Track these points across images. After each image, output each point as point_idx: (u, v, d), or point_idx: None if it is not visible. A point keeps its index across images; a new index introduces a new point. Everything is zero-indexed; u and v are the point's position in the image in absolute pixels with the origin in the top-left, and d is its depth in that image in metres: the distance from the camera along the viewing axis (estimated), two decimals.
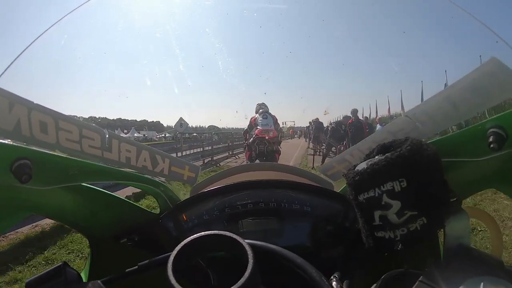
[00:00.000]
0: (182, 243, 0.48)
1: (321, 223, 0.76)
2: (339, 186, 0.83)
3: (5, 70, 0.57)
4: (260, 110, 6.69)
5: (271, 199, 0.78)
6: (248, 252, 0.44)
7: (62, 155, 0.57)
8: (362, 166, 0.52)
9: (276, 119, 6.69)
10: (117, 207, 0.76)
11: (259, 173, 1.07)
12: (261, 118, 6.49)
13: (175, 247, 0.49)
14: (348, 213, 0.74)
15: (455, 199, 0.49)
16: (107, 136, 0.64)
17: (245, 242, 0.46)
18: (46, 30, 0.61)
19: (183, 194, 0.88)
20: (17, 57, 0.58)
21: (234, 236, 0.48)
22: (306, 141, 27.63)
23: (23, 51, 0.58)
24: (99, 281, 0.49)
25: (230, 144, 17.06)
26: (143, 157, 0.69)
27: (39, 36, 0.60)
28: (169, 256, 0.45)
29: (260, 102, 6.93)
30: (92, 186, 0.69)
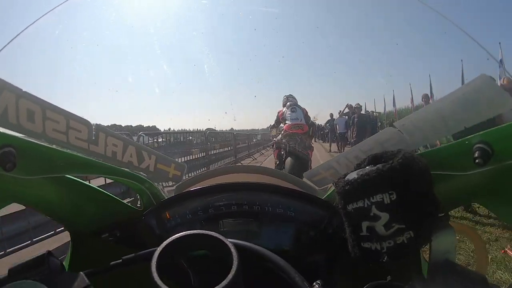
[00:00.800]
0: (168, 240, 0.48)
1: (304, 228, 0.76)
2: (323, 192, 0.83)
3: None
4: (288, 103, 5.96)
5: (255, 202, 0.77)
6: (233, 253, 0.45)
7: (47, 145, 0.57)
8: (352, 175, 0.51)
9: (306, 112, 5.94)
10: (100, 201, 0.75)
11: (245, 175, 1.06)
12: (289, 112, 5.74)
13: (157, 245, 0.49)
14: (331, 220, 0.74)
15: (443, 214, 0.50)
16: (94, 128, 0.64)
17: (230, 243, 0.46)
18: (37, 20, 0.61)
19: (168, 192, 0.88)
20: (7, 43, 0.58)
21: (220, 236, 0.48)
22: (315, 142, 23.06)
23: (14, 38, 0.58)
24: (82, 273, 0.49)
25: (208, 152, 10.37)
26: (129, 153, 0.69)
27: (29, 26, 0.60)
28: (154, 251, 0.45)
29: (287, 94, 6.25)
30: (76, 179, 0.68)
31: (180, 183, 0.86)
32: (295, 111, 5.77)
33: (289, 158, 5.36)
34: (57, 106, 0.61)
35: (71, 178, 0.67)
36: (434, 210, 0.49)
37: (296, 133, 5.48)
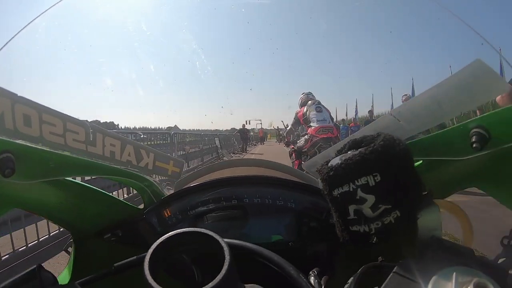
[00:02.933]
0: (157, 242, 0.47)
1: (305, 219, 0.77)
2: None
3: None
4: (309, 101, 4.85)
5: (255, 195, 0.78)
6: (225, 250, 0.44)
7: (45, 149, 0.57)
8: (335, 161, 0.52)
9: (330, 112, 4.94)
10: (101, 202, 0.76)
11: (244, 169, 1.07)
12: (315, 112, 4.66)
13: None
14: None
15: (426, 192, 0.51)
16: (91, 130, 0.64)
17: (222, 240, 0.46)
18: (29, 23, 0.61)
19: (168, 189, 0.88)
20: (1, 48, 0.57)
21: (211, 233, 0.48)
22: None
23: (6, 43, 0.58)
24: (76, 283, 0.49)
25: None
26: (127, 152, 0.69)
27: (21, 30, 0.60)
28: (144, 256, 0.45)
29: (307, 92, 5.18)
30: (75, 181, 0.68)
31: (180, 179, 0.86)
32: (321, 111, 4.70)
33: None
34: (53, 109, 0.61)
35: (70, 181, 0.67)
36: (418, 189, 0.49)
37: (327, 138, 4.43)
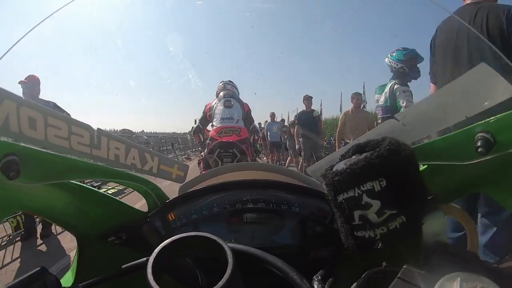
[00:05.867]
0: (160, 246, 0.48)
1: (309, 224, 0.77)
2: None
3: None
4: (221, 93, 3.80)
5: (259, 199, 0.78)
6: (228, 254, 0.44)
7: (50, 152, 0.57)
8: (340, 166, 0.51)
9: (249, 109, 3.85)
10: (105, 205, 0.76)
11: (249, 172, 1.07)
12: (221, 107, 3.63)
13: None
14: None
15: (431, 197, 0.51)
16: (96, 133, 0.64)
17: (225, 244, 0.46)
18: (34, 27, 0.61)
19: (172, 192, 0.88)
20: (5, 53, 0.58)
21: (215, 237, 0.48)
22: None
23: (12, 47, 0.58)
24: (80, 286, 0.49)
25: None
26: (132, 155, 0.69)
27: (26, 33, 0.60)
28: (148, 259, 0.45)
29: (226, 80, 4.10)
30: (80, 184, 0.69)
31: (184, 183, 0.87)
32: (230, 106, 3.64)
33: None
34: (58, 113, 0.61)
35: (75, 184, 0.67)
36: (423, 194, 0.49)
37: (227, 143, 3.37)
